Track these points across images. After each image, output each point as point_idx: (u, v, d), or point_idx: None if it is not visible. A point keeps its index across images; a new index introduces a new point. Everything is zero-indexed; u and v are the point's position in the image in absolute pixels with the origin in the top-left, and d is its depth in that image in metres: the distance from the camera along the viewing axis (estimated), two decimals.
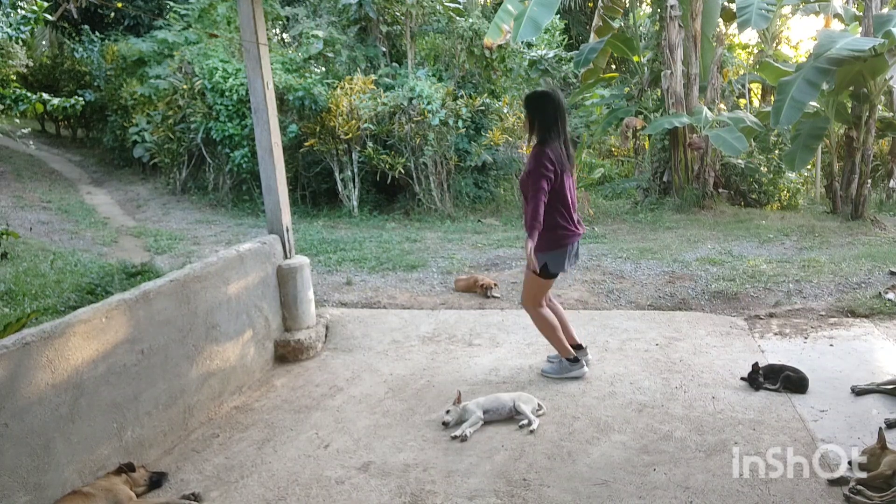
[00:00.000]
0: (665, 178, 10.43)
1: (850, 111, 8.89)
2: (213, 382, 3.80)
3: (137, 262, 6.61)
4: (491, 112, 10.83)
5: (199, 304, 3.71)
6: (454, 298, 5.71)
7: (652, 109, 11.05)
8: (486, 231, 9.11)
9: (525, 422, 3.44)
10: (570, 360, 3.98)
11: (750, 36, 13.50)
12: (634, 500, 2.78)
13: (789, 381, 3.69)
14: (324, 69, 11.55)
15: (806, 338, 4.49)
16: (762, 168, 10.62)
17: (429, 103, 10.02)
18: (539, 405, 3.58)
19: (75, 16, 14.77)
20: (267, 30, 8.06)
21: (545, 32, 13.29)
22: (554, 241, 3.77)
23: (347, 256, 7.30)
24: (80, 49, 15.48)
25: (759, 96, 14.32)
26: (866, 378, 3.76)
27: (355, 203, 10.54)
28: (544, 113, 3.68)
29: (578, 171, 11.31)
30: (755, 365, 3.79)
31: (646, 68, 11.32)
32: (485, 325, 4.98)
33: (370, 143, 10.20)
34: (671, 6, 9.78)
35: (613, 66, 14.41)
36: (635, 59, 11.33)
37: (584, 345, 4.10)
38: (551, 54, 12.26)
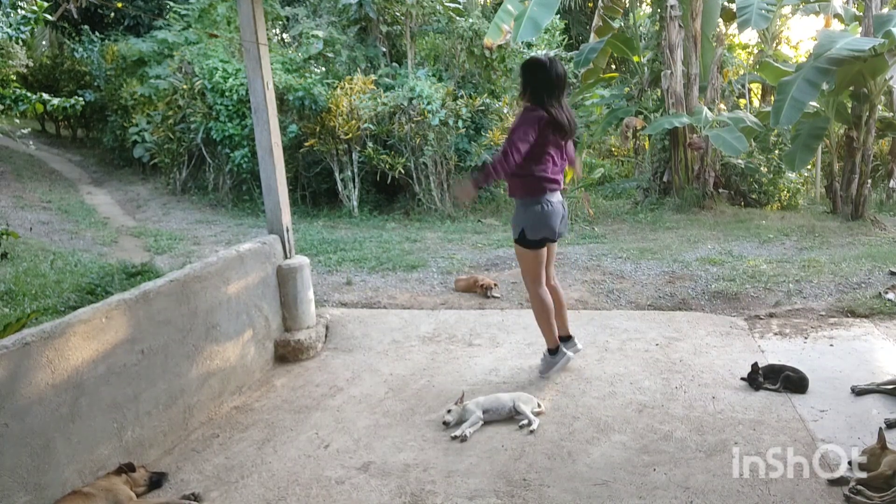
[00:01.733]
0: (665, 178, 10.43)
1: (850, 111, 8.89)
2: (213, 382, 3.80)
3: (137, 262, 6.61)
4: (491, 112, 10.82)
5: (199, 304, 3.71)
6: (454, 298, 5.71)
7: (652, 109, 11.04)
8: (486, 231, 9.11)
9: (525, 422, 3.44)
10: (551, 350, 3.97)
11: (750, 36, 13.49)
12: (635, 500, 2.79)
13: (789, 381, 3.69)
14: (324, 69, 11.55)
15: (806, 338, 4.49)
16: (762, 168, 10.61)
17: (429, 103, 10.02)
18: (539, 405, 3.58)
19: (75, 16, 14.77)
20: (267, 30, 8.06)
21: (545, 32, 13.28)
22: (529, 187, 3.72)
23: (347, 256, 7.30)
24: (80, 49, 15.48)
25: (759, 96, 14.31)
26: (866, 378, 3.76)
27: (355, 203, 10.54)
28: (535, 79, 3.66)
29: None
30: (755, 365, 3.79)
31: (646, 68, 11.31)
32: (485, 325, 4.98)
33: (370, 143, 10.20)
34: (671, 6, 9.78)
35: (613, 66, 14.39)
36: (635, 59, 11.33)
37: (572, 335, 4.15)
38: (551, 54, 12.24)
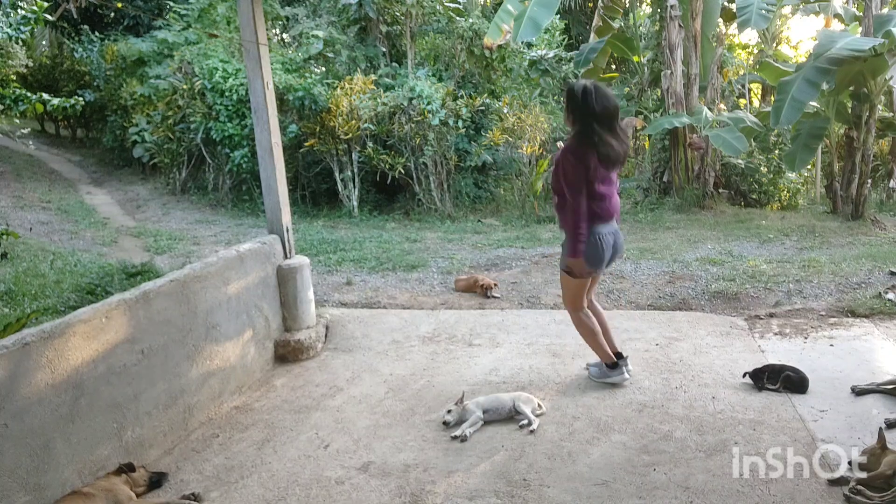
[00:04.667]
0: (665, 178, 10.43)
1: (850, 111, 8.89)
2: (213, 382, 3.80)
3: (137, 262, 6.61)
4: (491, 112, 10.82)
5: (199, 304, 3.71)
6: (454, 298, 5.71)
7: (652, 109, 11.05)
8: (486, 231, 9.11)
9: (525, 422, 3.44)
10: (609, 365, 3.88)
11: (750, 36, 13.52)
12: (634, 501, 2.78)
13: (789, 381, 3.69)
14: (324, 69, 11.55)
15: (806, 338, 4.49)
16: (762, 168, 10.60)
17: (429, 103, 10.02)
18: (539, 405, 3.58)
19: (75, 16, 14.76)
20: (267, 30, 8.06)
21: (545, 32, 13.27)
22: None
23: (347, 256, 7.30)
24: (80, 49, 15.48)
25: (759, 96, 14.32)
26: (866, 378, 3.76)
27: (355, 203, 10.54)
28: (585, 108, 3.48)
29: None
30: (764, 367, 3.79)
31: (646, 68, 11.32)
32: (485, 325, 4.98)
33: (370, 143, 10.20)
34: (671, 6, 9.78)
35: (613, 66, 14.41)
36: (635, 59, 11.33)
37: (624, 354, 3.95)
38: (551, 54, 12.26)
